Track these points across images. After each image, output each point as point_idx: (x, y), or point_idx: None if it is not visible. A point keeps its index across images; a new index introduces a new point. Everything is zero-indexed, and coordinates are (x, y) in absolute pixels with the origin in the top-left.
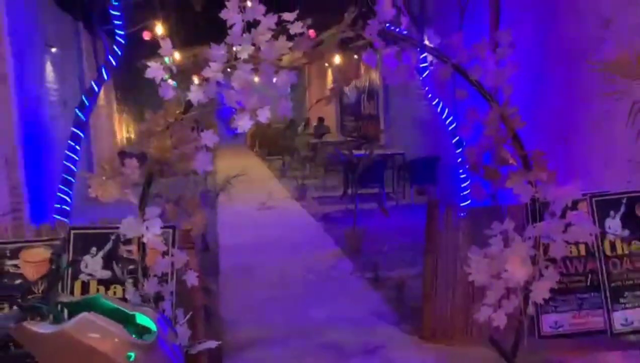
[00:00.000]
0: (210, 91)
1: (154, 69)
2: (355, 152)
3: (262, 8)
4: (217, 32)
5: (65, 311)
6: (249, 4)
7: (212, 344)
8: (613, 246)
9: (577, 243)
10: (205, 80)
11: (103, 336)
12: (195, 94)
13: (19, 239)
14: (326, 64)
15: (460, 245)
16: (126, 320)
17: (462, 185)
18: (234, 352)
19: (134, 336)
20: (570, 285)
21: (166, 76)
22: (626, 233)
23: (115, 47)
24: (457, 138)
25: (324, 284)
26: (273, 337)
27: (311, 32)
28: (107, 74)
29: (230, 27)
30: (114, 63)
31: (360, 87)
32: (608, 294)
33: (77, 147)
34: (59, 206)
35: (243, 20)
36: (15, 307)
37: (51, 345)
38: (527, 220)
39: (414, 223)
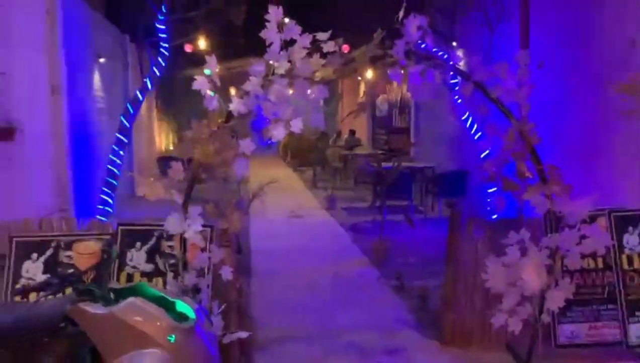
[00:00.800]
0: (250, 103)
1: (200, 82)
2: (384, 164)
3: (298, 28)
4: (253, 45)
5: (113, 296)
6: (286, 20)
7: (243, 334)
8: (630, 261)
9: (594, 257)
10: (245, 93)
11: (148, 319)
12: (236, 106)
13: (72, 233)
14: (359, 78)
15: (480, 255)
16: (167, 307)
17: (489, 199)
18: (263, 346)
19: (175, 321)
20: (587, 296)
21: (212, 93)
22: None
23: (159, 58)
24: (486, 152)
25: (350, 290)
26: (300, 335)
27: (345, 47)
28: (151, 84)
29: (269, 45)
30: (158, 74)
31: (393, 101)
32: (624, 307)
33: (121, 152)
34: (101, 206)
35: (281, 39)
36: (71, 290)
37: (102, 324)
38: (545, 232)
39: (440, 236)
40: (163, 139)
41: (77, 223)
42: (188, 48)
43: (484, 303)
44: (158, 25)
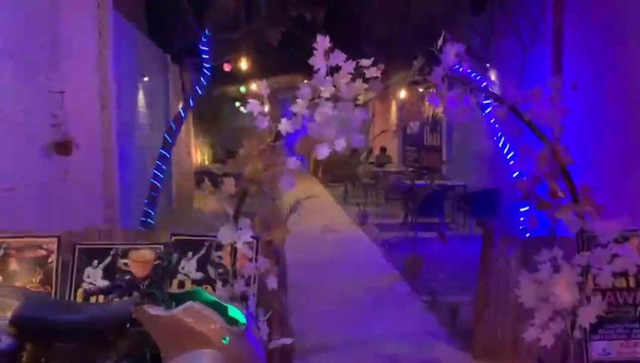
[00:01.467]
0: (298, 123)
1: (252, 105)
2: (417, 181)
3: (343, 55)
4: (288, 64)
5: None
6: (326, 41)
7: (288, 340)
8: None
9: (627, 276)
10: (293, 114)
11: (204, 321)
12: (284, 126)
13: (129, 242)
14: (390, 96)
15: (512, 271)
16: (221, 311)
17: (522, 219)
18: (300, 355)
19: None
20: (619, 314)
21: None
22: None
23: (201, 78)
24: (517, 172)
25: (382, 304)
26: (334, 345)
27: (380, 68)
28: (193, 103)
29: (316, 70)
30: (200, 93)
31: (424, 119)
32: None
33: (164, 167)
34: (144, 219)
35: (327, 65)
36: (135, 293)
37: (163, 325)
38: (577, 250)
39: (471, 253)
40: (199, 154)
41: (136, 232)
42: (227, 67)
43: (516, 317)
44: (201, 47)
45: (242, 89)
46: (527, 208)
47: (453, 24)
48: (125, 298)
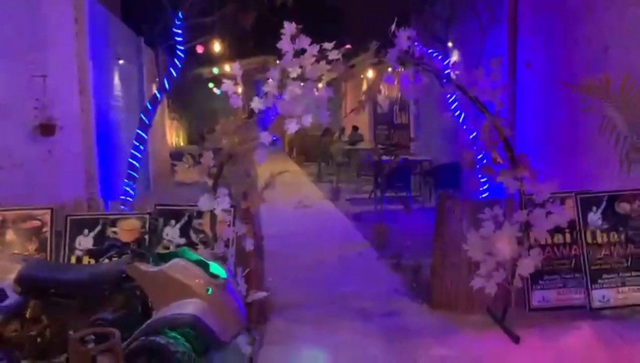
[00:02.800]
0: (269, 102)
1: (226, 85)
2: (384, 157)
3: (308, 40)
4: (260, 46)
5: (160, 259)
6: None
7: (263, 294)
8: (594, 236)
9: (563, 232)
10: (264, 93)
11: (190, 275)
12: (257, 104)
13: (117, 212)
14: (362, 76)
15: (463, 230)
16: (204, 267)
17: (481, 188)
18: (277, 310)
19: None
20: (557, 267)
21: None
22: (605, 225)
23: (176, 60)
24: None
25: (353, 267)
26: (309, 303)
27: (347, 46)
28: (169, 84)
29: (284, 54)
30: (175, 75)
31: (393, 99)
32: (588, 275)
33: (141, 147)
34: (123, 197)
35: (293, 49)
36: (128, 253)
37: (153, 279)
38: (519, 209)
39: (435, 223)
40: (174, 136)
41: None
42: (199, 49)
43: (467, 272)
44: (175, 30)
45: (215, 70)
46: (485, 179)
47: (417, 8)
48: (115, 259)
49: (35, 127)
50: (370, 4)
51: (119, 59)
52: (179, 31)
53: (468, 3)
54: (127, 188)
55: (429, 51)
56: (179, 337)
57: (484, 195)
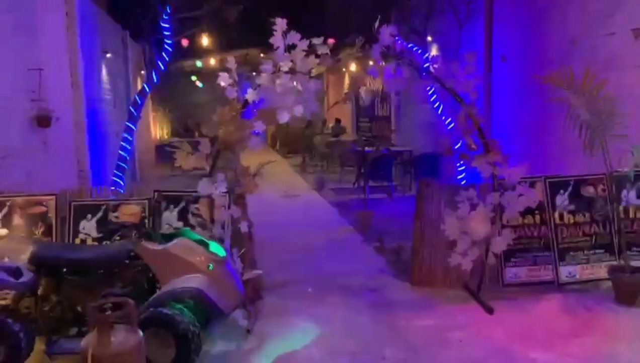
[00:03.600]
0: (262, 93)
1: (223, 77)
2: (367, 148)
3: (298, 35)
4: (245, 40)
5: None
6: (284, 23)
7: (258, 272)
8: (561, 217)
9: (534, 214)
10: (257, 85)
11: (192, 253)
12: (251, 95)
13: (119, 198)
14: (344, 69)
15: (440, 212)
16: (204, 246)
17: (459, 177)
18: (269, 288)
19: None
20: (528, 245)
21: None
22: (572, 207)
23: (163, 54)
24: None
25: (338, 250)
26: (298, 281)
27: (331, 40)
28: (157, 78)
29: (276, 48)
30: (162, 68)
31: (375, 91)
32: (556, 253)
33: (130, 138)
34: (114, 188)
35: (284, 44)
36: (135, 234)
37: (159, 257)
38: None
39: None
40: (158, 129)
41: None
42: (185, 42)
43: (445, 250)
44: (163, 25)
45: (198, 63)
46: (463, 167)
47: (398, 4)
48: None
49: (32, 119)
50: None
51: (107, 52)
52: (167, 25)
53: None
54: (117, 179)
55: (409, 45)
56: (184, 308)
57: (462, 182)
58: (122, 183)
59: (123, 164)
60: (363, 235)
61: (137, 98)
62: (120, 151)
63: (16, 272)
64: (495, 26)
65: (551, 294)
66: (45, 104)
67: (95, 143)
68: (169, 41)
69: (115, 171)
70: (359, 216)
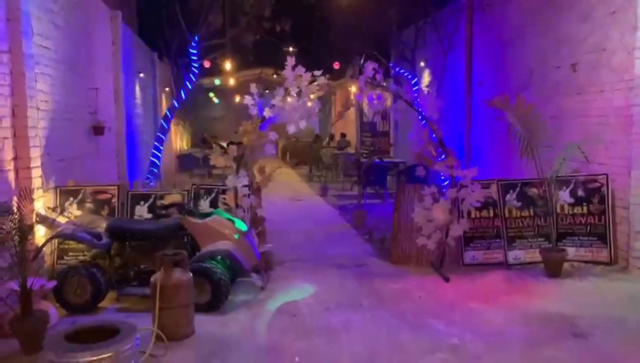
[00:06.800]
0: (276, 110)
1: (248, 100)
2: (362, 159)
3: (303, 69)
4: (258, 60)
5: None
6: (292, 60)
7: (270, 246)
8: (511, 212)
9: (488, 209)
10: (272, 105)
11: (224, 226)
12: (268, 112)
13: (163, 189)
14: (350, 88)
15: (413, 205)
16: (232, 222)
17: (443, 184)
18: (278, 264)
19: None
20: (484, 233)
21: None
22: (519, 204)
23: (191, 75)
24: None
25: (336, 240)
26: (301, 259)
27: (336, 64)
28: (185, 95)
29: (286, 78)
30: (190, 87)
31: (377, 109)
32: (505, 240)
33: (161, 147)
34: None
35: (293, 74)
36: (181, 211)
37: (200, 228)
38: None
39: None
40: (179, 141)
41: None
42: (207, 64)
43: (417, 235)
44: (191, 50)
45: (217, 81)
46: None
47: (389, 36)
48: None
49: (90, 129)
50: (352, 29)
51: (140, 72)
52: (195, 51)
53: (432, 31)
54: (149, 182)
55: (401, 70)
56: (217, 264)
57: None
58: (152, 181)
59: (155, 170)
60: (357, 230)
61: (168, 113)
62: (152, 158)
63: (98, 236)
64: (474, 55)
65: (499, 271)
66: (98, 117)
67: (130, 149)
68: (196, 65)
69: (148, 175)
70: (355, 215)
